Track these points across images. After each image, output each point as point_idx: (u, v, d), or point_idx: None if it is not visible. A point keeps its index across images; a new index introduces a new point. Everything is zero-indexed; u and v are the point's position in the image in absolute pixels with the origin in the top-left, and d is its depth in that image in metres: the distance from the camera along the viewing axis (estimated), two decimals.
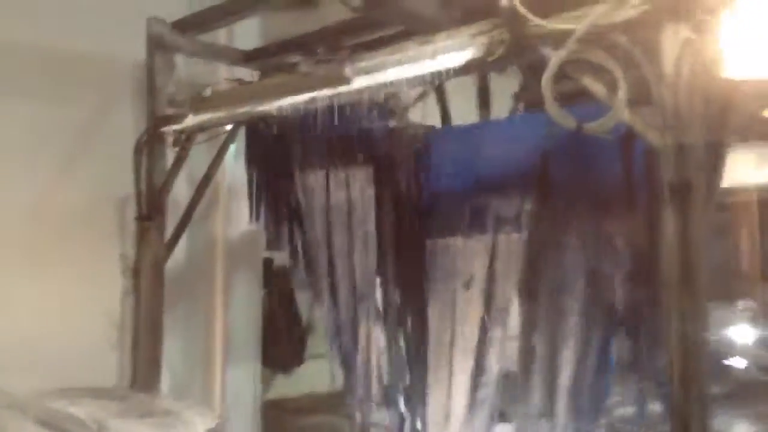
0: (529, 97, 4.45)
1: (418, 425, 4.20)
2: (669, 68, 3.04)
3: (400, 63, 3.68)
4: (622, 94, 3.12)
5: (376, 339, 4.61)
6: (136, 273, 5.31)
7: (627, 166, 3.52)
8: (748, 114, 3.70)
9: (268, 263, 6.52)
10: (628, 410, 3.86)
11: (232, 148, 5.45)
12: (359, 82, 3.85)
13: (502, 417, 3.85)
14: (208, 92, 4.84)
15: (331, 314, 4.85)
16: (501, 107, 5.09)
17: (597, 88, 3.21)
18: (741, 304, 9.07)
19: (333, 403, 6.04)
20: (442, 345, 3.95)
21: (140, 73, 5.38)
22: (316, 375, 6.80)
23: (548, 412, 3.67)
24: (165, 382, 5.39)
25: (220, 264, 6.04)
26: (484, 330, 3.77)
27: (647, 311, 3.78)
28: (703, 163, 3.17)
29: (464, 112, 5.03)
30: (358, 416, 4.67)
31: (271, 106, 4.32)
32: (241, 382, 6.15)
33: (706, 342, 3.56)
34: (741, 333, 8.59)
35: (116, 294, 5.47)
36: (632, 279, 3.59)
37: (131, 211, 5.39)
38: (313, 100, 4.00)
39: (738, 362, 8.37)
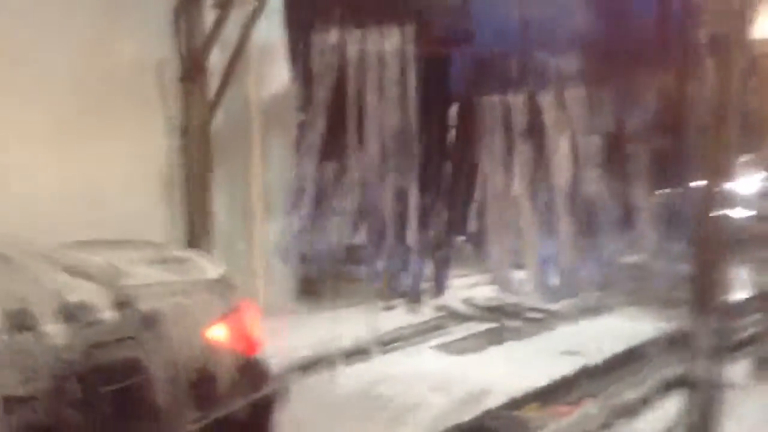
0: None
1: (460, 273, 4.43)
2: None
3: None
4: None
5: (411, 193, 4.79)
6: (184, 133, 5.49)
7: (666, 19, 3.66)
8: None
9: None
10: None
11: (266, 8, 5.50)
12: None
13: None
14: None
15: (359, 171, 4.92)
16: None
17: None
18: (746, 156, 9.33)
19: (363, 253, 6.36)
20: (502, 193, 4.15)
21: None
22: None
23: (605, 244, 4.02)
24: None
25: (256, 125, 6.25)
26: (543, 177, 3.99)
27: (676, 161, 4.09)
28: (741, 14, 3.34)
29: None
30: (382, 266, 4.90)
31: None
32: (280, 235, 6.49)
33: (730, 193, 3.85)
34: (745, 184, 8.91)
35: (162, 154, 5.66)
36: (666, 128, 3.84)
37: (170, 75, 5.52)
38: None
39: (741, 212, 8.75)
